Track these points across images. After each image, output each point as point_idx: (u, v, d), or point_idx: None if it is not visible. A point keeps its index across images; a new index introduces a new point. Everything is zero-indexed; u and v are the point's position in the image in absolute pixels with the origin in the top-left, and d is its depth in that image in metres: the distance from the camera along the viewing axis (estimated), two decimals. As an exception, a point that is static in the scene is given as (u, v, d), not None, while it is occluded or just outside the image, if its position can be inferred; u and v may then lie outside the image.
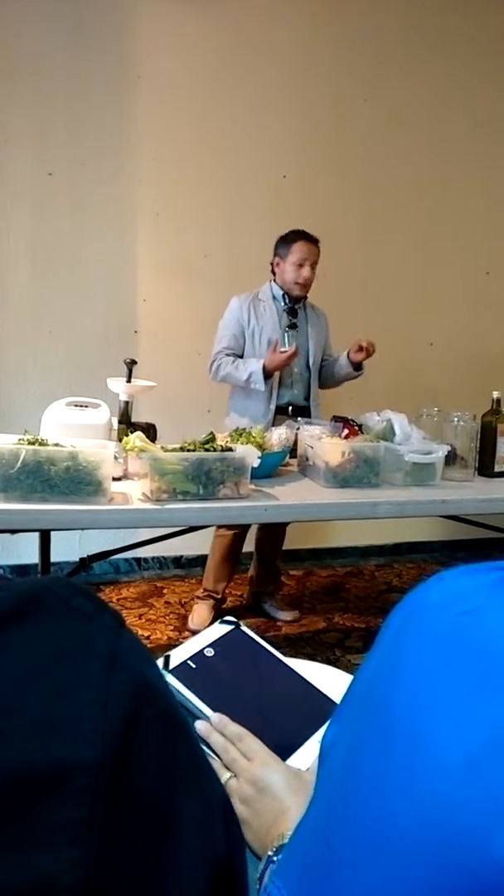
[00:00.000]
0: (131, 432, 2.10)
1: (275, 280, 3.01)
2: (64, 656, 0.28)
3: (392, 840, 0.33)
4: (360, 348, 2.85)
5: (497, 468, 2.54)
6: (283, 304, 2.98)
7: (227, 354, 2.90)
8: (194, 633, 0.91)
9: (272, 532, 3.16)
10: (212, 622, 0.92)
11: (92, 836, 0.24)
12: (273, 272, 3.01)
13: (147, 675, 0.30)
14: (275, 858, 0.57)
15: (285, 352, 2.73)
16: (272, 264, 3.00)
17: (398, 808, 0.34)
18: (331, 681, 0.87)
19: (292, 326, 2.97)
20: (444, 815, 0.32)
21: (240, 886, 0.32)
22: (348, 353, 2.93)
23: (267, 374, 2.79)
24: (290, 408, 2.96)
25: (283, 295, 2.98)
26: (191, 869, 0.27)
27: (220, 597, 3.13)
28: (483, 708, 0.33)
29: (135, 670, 0.29)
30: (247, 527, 3.08)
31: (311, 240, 2.94)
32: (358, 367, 2.96)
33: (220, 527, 3.04)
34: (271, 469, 2.36)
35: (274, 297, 2.99)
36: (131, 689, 0.28)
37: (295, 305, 2.99)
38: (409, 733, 0.35)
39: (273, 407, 2.90)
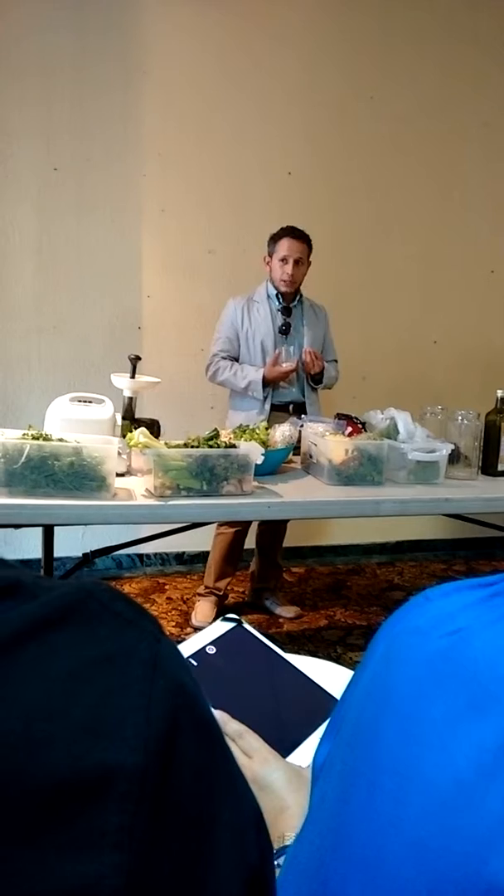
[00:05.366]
0: (135, 428, 2.10)
1: (270, 279, 3.01)
2: (108, 660, 0.28)
3: (384, 871, 0.33)
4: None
5: (501, 467, 2.53)
6: (277, 304, 2.98)
7: (224, 357, 2.93)
8: (197, 629, 0.91)
9: (273, 528, 3.16)
10: (215, 619, 0.92)
11: (134, 842, 0.24)
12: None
13: (185, 682, 0.30)
14: (276, 861, 0.57)
15: (285, 368, 2.80)
16: (266, 262, 3.00)
17: (389, 837, 0.33)
18: (332, 677, 0.88)
19: (285, 328, 2.95)
20: (435, 843, 0.31)
21: (270, 894, 0.33)
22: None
23: (265, 384, 2.83)
24: (291, 406, 2.96)
25: (277, 295, 2.97)
26: (227, 877, 0.28)
27: (221, 593, 3.14)
28: (471, 733, 0.32)
29: (175, 677, 0.29)
30: (248, 524, 3.08)
31: (298, 236, 2.91)
32: (315, 381, 2.96)
33: (221, 524, 3.04)
34: (275, 466, 2.36)
35: (269, 297, 2.98)
36: (172, 695, 0.28)
37: (290, 305, 2.98)
38: (399, 762, 0.34)
39: (268, 406, 2.91)
